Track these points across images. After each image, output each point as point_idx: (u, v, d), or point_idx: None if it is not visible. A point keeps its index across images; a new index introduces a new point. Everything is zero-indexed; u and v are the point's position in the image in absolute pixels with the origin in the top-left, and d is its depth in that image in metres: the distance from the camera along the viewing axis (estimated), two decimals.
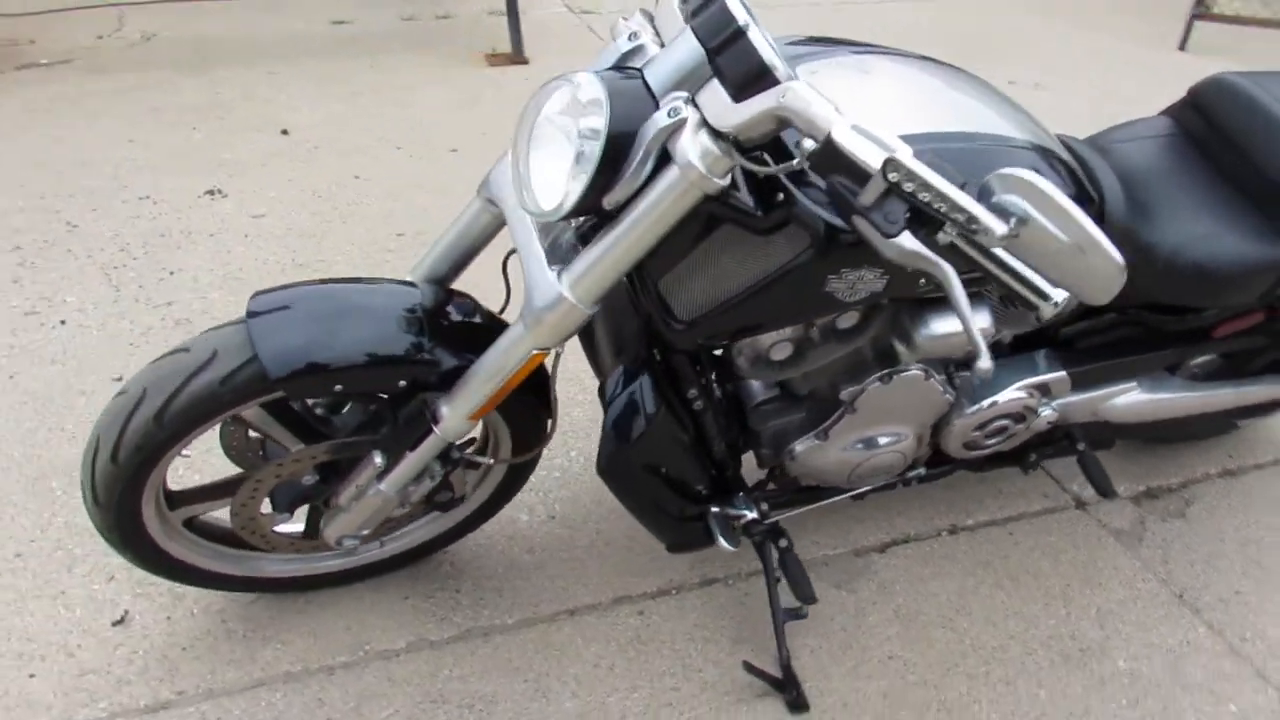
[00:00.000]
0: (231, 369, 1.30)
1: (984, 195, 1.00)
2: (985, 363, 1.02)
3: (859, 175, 0.99)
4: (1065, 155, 1.50)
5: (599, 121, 1.12)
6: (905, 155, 0.95)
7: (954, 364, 1.62)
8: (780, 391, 1.61)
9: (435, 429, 1.38)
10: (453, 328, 1.43)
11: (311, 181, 3.38)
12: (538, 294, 1.25)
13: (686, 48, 1.15)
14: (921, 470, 1.79)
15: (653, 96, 1.16)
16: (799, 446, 1.60)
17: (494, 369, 1.32)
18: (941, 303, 1.46)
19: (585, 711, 1.60)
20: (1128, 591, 1.88)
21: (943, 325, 1.44)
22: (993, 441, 1.73)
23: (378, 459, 1.43)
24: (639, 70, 1.19)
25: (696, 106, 1.11)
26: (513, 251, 1.34)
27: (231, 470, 1.54)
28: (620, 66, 1.24)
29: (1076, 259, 1.00)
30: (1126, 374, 1.75)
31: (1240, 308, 1.73)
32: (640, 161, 1.13)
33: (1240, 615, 1.84)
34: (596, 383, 1.56)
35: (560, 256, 1.27)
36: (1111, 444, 1.98)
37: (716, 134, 1.11)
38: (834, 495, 1.75)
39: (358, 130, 3.84)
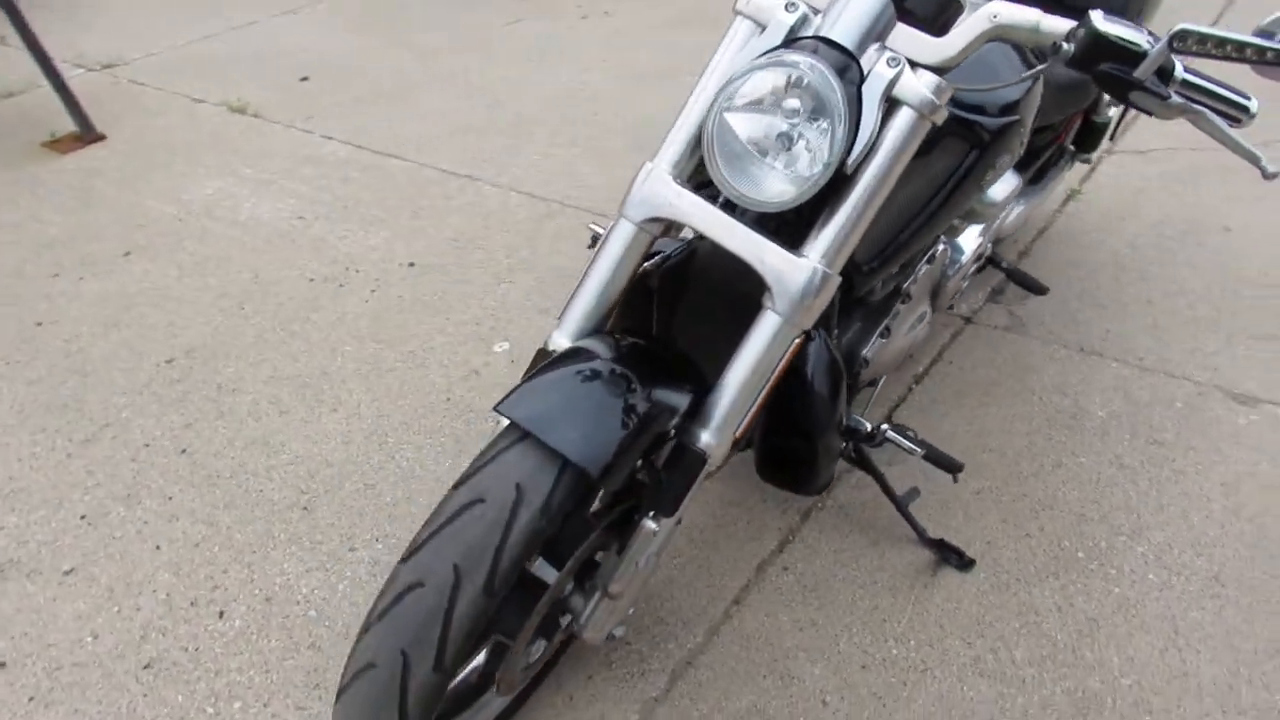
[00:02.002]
0: (547, 491, 1.12)
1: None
2: (1272, 166, 1.24)
3: (1129, 55, 1.14)
4: None
5: (831, 94, 1.13)
6: (1189, 25, 1.12)
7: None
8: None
9: (707, 459, 1.30)
10: (653, 362, 1.33)
11: None
12: (789, 281, 1.23)
13: (859, 4, 1.20)
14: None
15: (849, 55, 1.19)
16: (869, 352, 1.73)
17: (761, 371, 1.27)
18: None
19: (841, 665, 1.65)
20: (1049, 361, 2.31)
21: (999, 192, 1.66)
22: (965, 288, 2.02)
23: (651, 524, 1.31)
24: (815, 37, 1.21)
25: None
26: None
27: None
28: (795, 38, 1.24)
29: None
30: (1024, 193, 2.13)
31: (1074, 112, 2.17)
32: (876, 116, 1.18)
33: (1119, 341, 2.36)
34: None
35: None
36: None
37: (931, 70, 1.19)
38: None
39: None
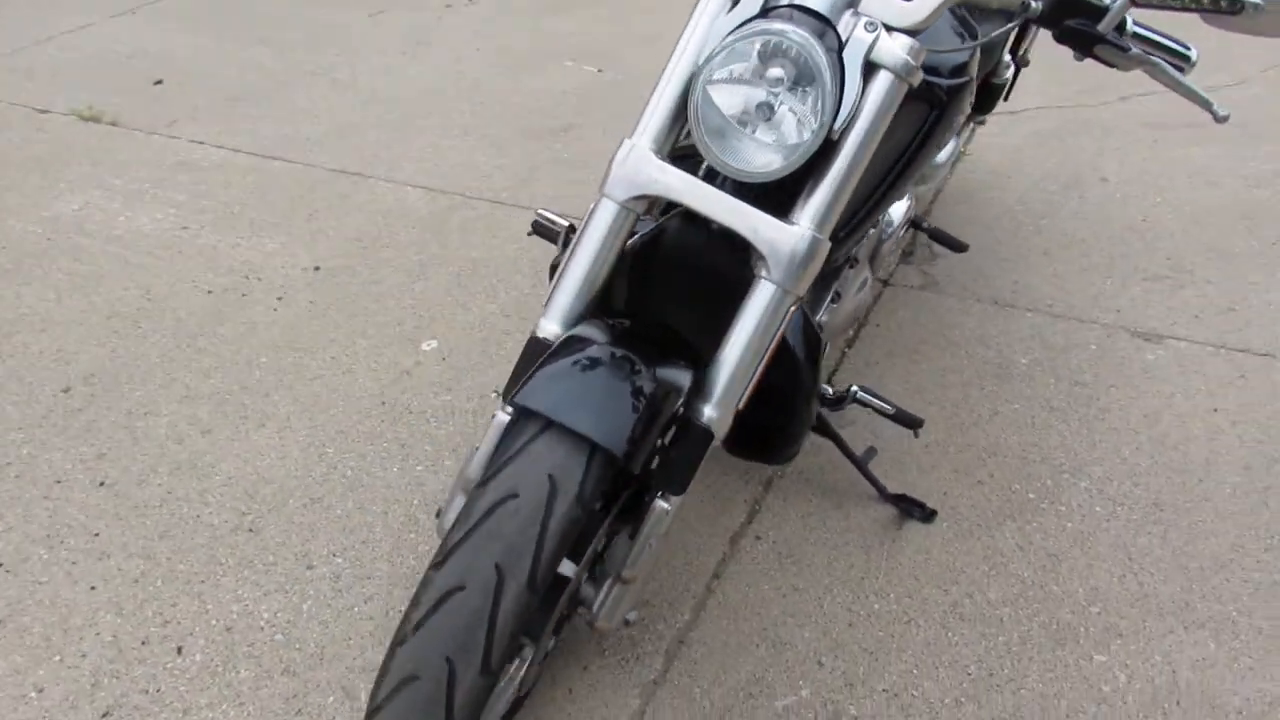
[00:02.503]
0: (580, 479, 1.08)
1: None
2: (1223, 110, 1.31)
3: (1093, 10, 1.19)
4: None
5: (818, 61, 1.14)
6: None
7: None
8: None
9: (713, 434, 1.28)
10: (648, 342, 1.31)
11: None
12: (784, 249, 1.23)
13: None
14: None
15: (827, 22, 1.20)
16: (823, 317, 1.77)
17: (760, 341, 1.27)
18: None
19: (828, 626, 1.67)
20: (966, 315, 2.41)
21: (944, 154, 1.71)
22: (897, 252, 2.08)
23: (663, 504, 1.29)
24: (791, 5, 1.21)
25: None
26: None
27: None
28: (771, 7, 1.23)
29: None
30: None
31: (983, 75, 2.26)
32: (858, 81, 1.19)
33: (1027, 292, 2.49)
34: None
35: None
36: None
37: (905, 32, 1.21)
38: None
39: None
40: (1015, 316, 2.41)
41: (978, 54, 1.59)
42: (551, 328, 1.30)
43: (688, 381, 1.27)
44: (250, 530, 1.86)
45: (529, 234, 2.02)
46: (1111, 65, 1.29)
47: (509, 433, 1.16)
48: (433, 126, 3.49)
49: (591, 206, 1.30)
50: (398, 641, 1.08)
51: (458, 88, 3.82)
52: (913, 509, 1.86)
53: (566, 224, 1.77)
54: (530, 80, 3.88)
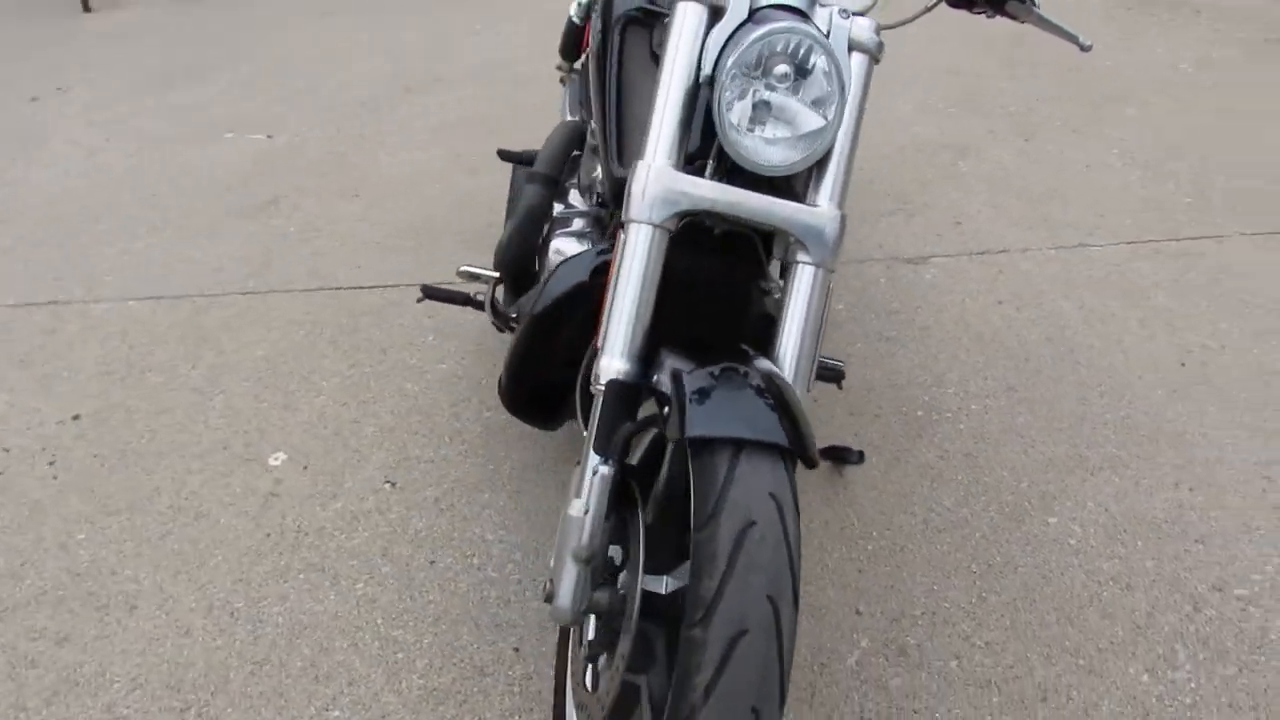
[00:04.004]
0: (790, 489, 1.07)
1: None
2: (1087, 40, 1.55)
3: None
4: None
5: (828, 54, 1.22)
6: None
7: None
8: None
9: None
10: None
11: None
12: (818, 231, 1.29)
13: None
14: None
15: (806, 16, 1.28)
16: None
17: (815, 322, 1.31)
18: None
19: (837, 574, 1.76)
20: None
21: None
22: None
23: None
24: (773, 6, 1.27)
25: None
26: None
27: None
28: (755, 9, 1.27)
29: None
30: None
31: None
32: (848, 66, 1.29)
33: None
34: None
35: None
36: None
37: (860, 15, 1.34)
38: None
39: None
40: None
41: None
42: (620, 366, 1.25)
43: (778, 370, 1.29)
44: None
45: (419, 300, 1.88)
46: (1015, 19, 1.51)
47: (702, 469, 1.10)
48: (111, 231, 3.01)
49: (622, 237, 1.27)
50: (688, 714, 0.99)
51: (111, 183, 3.32)
52: (847, 455, 2.01)
53: (496, 274, 1.68)
54: (197, 158, 3.48)
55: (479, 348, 2.38)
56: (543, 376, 1.56)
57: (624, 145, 1.45)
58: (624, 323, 1.26)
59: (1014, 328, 2.41)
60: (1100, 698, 1.56)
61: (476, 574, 1.80)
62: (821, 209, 1.27)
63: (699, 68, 1.25)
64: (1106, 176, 3.17)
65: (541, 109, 3.38)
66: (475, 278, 1.68)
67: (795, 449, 1.11)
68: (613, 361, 1.25)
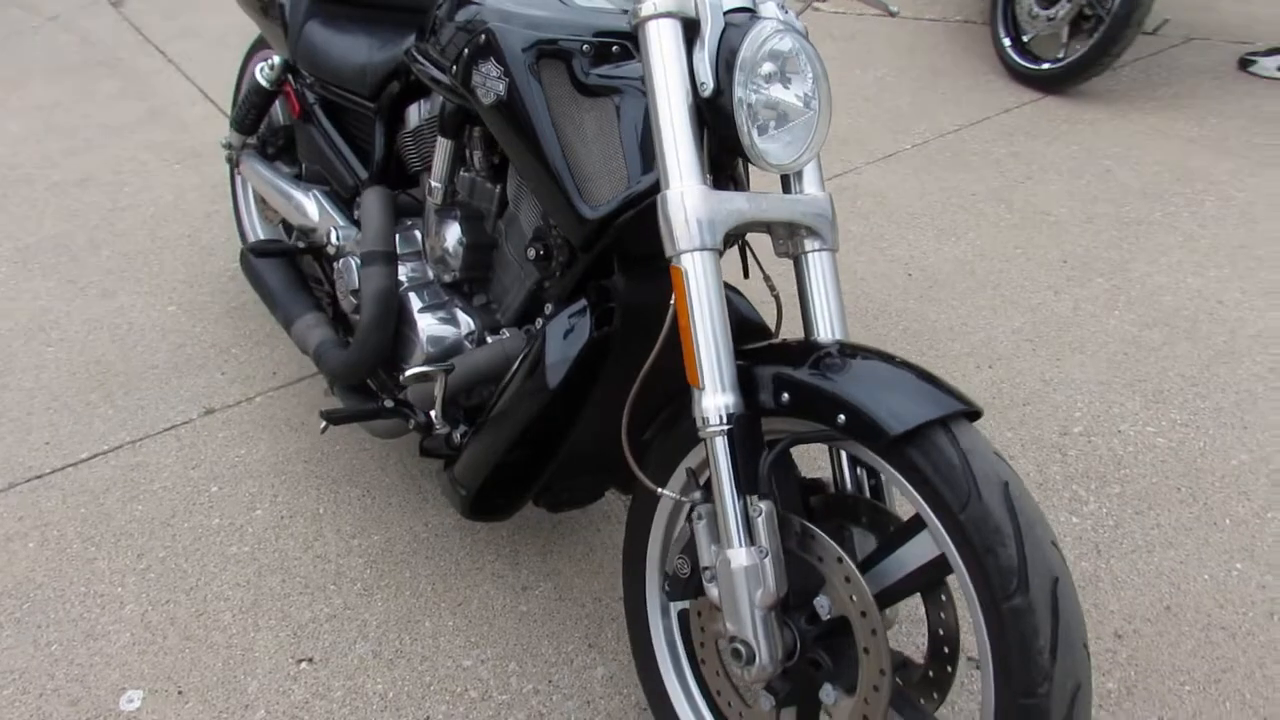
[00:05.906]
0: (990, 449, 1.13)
1: None
2: (895, 6, 1.69)
3: None
4: None
5: (810, 49, 1.27)
6: None
7: None
8: None
9: None
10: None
11: None
12: (827, 215, 1.33)
13: None
14: None
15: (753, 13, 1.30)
16: None
17: (839, 299, 1.35)
18: None
19: None
20: None
21: None
22: None
23: None
24: (736, 10, 1.27)
25: None
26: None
27: None
28: (731, 10, 1.25)
29: None
30: None
31: None
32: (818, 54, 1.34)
33: None
34: None
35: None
36: None
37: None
38: None
39: None
40: None
41: None
42: (727, 400, 1.20)
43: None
44: None
45: (322, 431, 1.59)
46: None
47: (925, 456, 1.10)
48: None
49: (683, 269, 1.20)
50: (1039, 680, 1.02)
51: None
52: None
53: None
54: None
55: (281, 476, 2.03)
56: (583, 449, 1.42)
57: (584, 186, 1.35)
58: (714, 355, 1.21)
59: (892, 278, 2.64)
60: None
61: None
62: (819, 196, 1.33)
63: (693, 81, 1.21)
64: None
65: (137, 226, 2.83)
66: (425, 378, 1.45)
67: (970, 407, 1.16)
68: (717, 398, 1.20)
